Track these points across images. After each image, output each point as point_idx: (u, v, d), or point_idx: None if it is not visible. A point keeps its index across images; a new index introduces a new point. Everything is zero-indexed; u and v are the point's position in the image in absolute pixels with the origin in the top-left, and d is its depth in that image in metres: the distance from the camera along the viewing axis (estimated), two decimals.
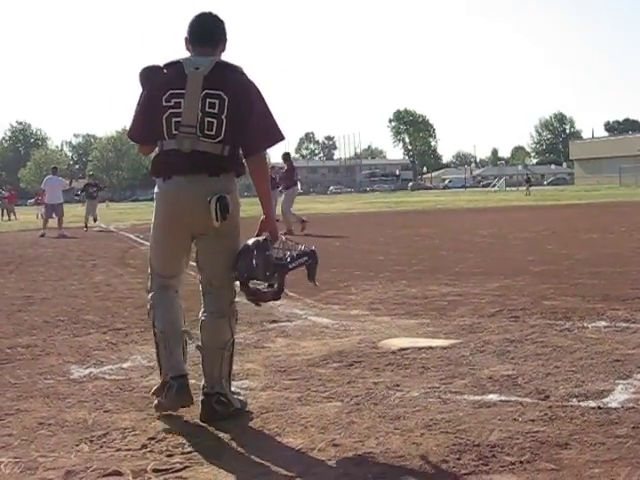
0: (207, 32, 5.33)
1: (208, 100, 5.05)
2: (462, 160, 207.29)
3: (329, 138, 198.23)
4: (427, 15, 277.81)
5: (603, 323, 7.87)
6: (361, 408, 5.29)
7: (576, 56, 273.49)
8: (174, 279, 5.44)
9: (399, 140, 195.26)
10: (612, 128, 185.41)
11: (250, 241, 5.19)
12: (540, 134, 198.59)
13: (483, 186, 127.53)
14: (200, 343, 5.28)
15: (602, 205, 41.58)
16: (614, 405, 5.16)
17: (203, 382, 5.21)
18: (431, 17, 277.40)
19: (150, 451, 4.58)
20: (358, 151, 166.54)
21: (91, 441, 4.78)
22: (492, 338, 7.33)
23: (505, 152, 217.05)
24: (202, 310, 5.35)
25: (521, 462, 4.17)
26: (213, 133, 5.07)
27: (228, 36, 5.43)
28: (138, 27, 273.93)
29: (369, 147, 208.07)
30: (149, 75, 5.28)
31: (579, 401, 5.25)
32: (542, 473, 4.02)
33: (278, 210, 34.76)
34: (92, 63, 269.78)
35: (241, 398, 5.36)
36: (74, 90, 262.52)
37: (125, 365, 6.87)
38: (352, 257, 16.48)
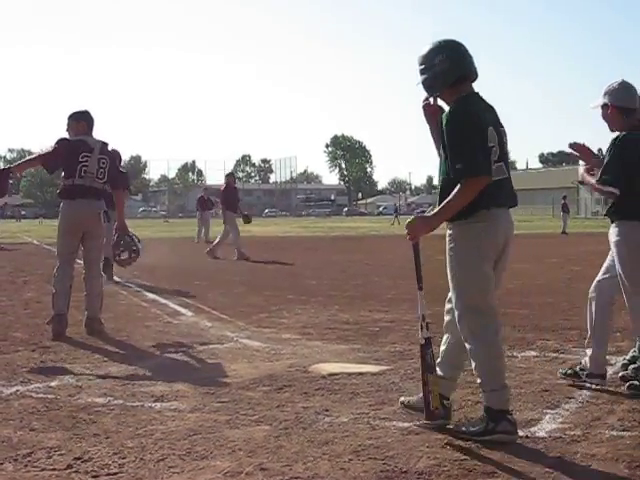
0: (93, 126, 9.75)
1: (101, 160, 9.51)
2: (397, 187, 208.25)
3: (265, 161, 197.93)
4: (366, 41, 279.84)
5: (533, 353, 7.95)
6: (290, 432, 5.29)
7: (511, 88, 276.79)
8: (71, 257, 9.50)
9: (335, 165, 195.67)
10: (546, 160, 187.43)
11: (117, 235, 9.92)
12: None
13: (417, 214, 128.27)
14: (86, 292, 9.51)
15: (535, 235, 42.06)
16: (541, 434, 5.22)
17: (87, 313, 9.43)
18: (369, 43, 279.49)
19: (76, 471, 4.53)
20: (294, 175, 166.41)
21: (15, 460, 4.72)
22: None
23: None
24: (86, 273, 9.57)
25: None
26: (102, 177, 9.52)
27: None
28: (73, 43, 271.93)
29: (305, 171, 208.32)
30: (69, 142, 9.54)
31: None
32: None
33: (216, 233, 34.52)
34: (27, 78, 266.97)
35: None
36: (8, 105, 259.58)
37: (53, 383, 6.79)
38: (285, 281, 16.47)
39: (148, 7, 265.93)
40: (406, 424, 5.44)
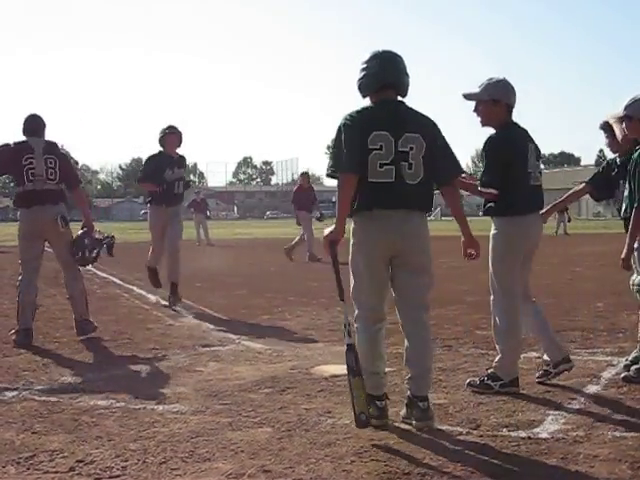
0: (38, 127, 9.32)
1: (48, 160, 9.10)
2: None
3: (267, 163, 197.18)
4: (366, 42, 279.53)
5: (534, 354, 7.93)
6: (292, 434, 5.29)
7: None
8: (35, 263, 9.18)
9: None
10: (548, 161, 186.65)
11: (78, 233, 9.41)
12: (477, 165, 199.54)
13: None
14: (68, 295, 9.53)
15: None
16: (544, 435, 5.22)
17: (74, 316, 9.32)
18: (370, 44, 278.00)
19: (78, 474, 4.53)
20: (296, 177, 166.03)
21: (18, 463, 4.72)
22: None
23: None
24: (64, 276, 9.51)
25: None
26: (53, 178, 9.12)
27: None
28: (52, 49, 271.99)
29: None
30: (10, 148, 9.17)
31: (509, 431, 5.30)
32: None
33: (213, 234, 34.47)
34: (24, 80, 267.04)
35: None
36: (7, 109, 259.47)
37: (55, 386, 6.80)
38: (287, 282, 16.46)
39: (148, 8, 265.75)
40: (409, 425, 5.43)
